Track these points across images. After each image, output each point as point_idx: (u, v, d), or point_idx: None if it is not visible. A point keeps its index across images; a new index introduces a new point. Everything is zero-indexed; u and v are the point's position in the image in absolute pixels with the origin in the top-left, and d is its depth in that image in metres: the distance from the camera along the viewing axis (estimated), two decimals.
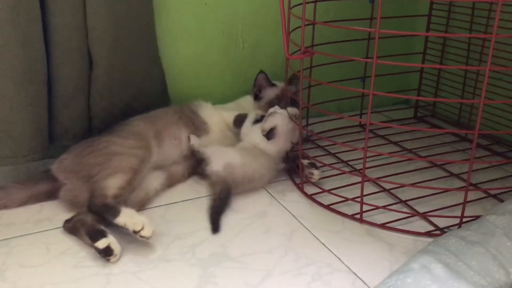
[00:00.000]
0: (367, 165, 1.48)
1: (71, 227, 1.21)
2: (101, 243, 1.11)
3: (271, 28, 1.77)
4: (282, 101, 1.61)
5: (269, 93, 1.66)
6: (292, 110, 1.53)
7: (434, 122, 1.90)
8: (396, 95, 1.18)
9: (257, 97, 1.67)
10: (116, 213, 1.16)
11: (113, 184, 1.23)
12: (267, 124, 1.43)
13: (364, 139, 1.71)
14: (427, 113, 1.97)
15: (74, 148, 1.37)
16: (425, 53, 1.85)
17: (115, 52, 1.45)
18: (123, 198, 1.23)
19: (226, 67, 1.77)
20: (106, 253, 1.10)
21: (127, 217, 1.15)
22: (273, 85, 1.67)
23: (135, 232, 1.12)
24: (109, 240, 1.11)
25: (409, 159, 1.55)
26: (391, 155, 1.52)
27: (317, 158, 1.48)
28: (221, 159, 1.38)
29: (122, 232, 1.15)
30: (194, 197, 1.38)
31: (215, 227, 1.24)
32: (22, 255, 1.13)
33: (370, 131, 1.82)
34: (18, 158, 1.37)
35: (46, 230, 1.23)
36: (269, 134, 1.42)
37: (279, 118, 1.44)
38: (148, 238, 1.13)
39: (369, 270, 1.09)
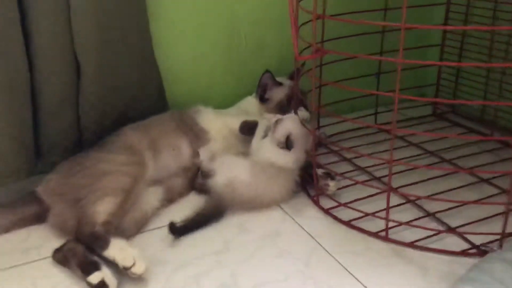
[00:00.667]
0: (385, 172, 1.35)
1: (61, 258, 1.08)
2: (94, 278, 0.98)
3: (276, 25, 1.63)
4: (292, 101, 1.47)
5: (277, 94, 1.52)
6: (303, 114, 1.39)
7: (455, 120, 1.75)
8: (424, 98, 1.04)
9: (262, 99, 1.53)
10: (105, 244, 1.03)
11: (102, 209, 1.10)
12: (279, 133, 1.27)
13: (382, 141, 1.61)
14: (447, 109, 1.82)
15: (60, 167, 1.24)
16: (444, 44, 1.70)
17: (104, 56, 1.31)
18: (114, 225, 1.10)
19: (228, 69, 1.63)
20: None
21: (116, 250, 1.02)
22: (279, 84, 1.52)
23: (125, 269, 0.99)
24: (103, 274, 0.98)
25: (443, 171, 1.39)
26: (420, 166, 1.38)
27: (331, 165, 1.34)
28: (226, 172, 1.24)
29: None
30: None
31: (177, 234, 1.14)
32: None
33: (386, 131, 1.67)
34: (1, 179, 1.24)
35: (33, 261, 1.10)
36: (288, 144, 1.25)
37: (290, 123, 1.30)
38: (139, 276, 1.00)
39: None
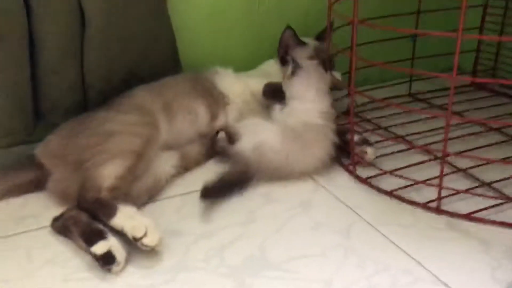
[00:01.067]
0: (424, 141, 1.24)
1: (61, 226, 0.94)
2: (99, 248, 0.84)
3: None
4: (318, 59, 1.29)
5: (300, 55, 1.33)
6: (336, 74, 1.24)
7: (496, 89, 1.59)
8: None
9: (284, 61, 1.35)
10: (111, 212, 0.89)
11: (109, 173, 0.96)
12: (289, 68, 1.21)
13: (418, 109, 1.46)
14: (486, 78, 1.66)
15: (63, 127, 1.10)
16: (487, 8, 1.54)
17: (113, 5, 1.15)
18: (122, 191, 0.96)
19: (249, 27, 1.46)
20: (106, 261, 0.83)
21: (125, 219, 0.88)
22: (303, 44, 1.35)
23: (135, 239, 0.85)
24: (110, 244, 0.84)
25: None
26: (483, 121, 1.26)
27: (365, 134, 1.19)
28: (253, 136, 1.09)
29: None
30: None
31: (208, 195, 1.00)
32: None
33: (421, 100, 1.52)
34: None
35: (29, 231, 0.95)
36: (294, 67, 1.18)
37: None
38: (152, 248, 0.85)
39: (464, 278, 0.80)
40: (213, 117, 1.22)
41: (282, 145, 1.07)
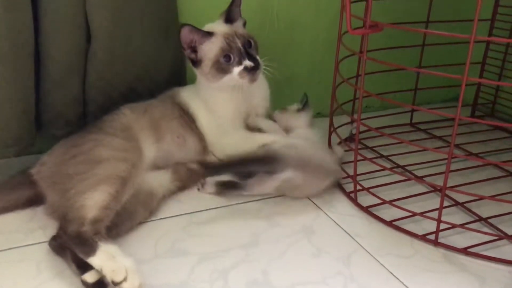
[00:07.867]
0: (423, 172, 1.27)
1: (57, 246, 0.93)
2: (90, 276, 0.84)
3: (312, 6, 1.51)
4: (233, 51, 1.14)
5: (209, 48, 1.15)
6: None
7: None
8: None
9: (195, 62, 1.17)
10: (90, 250, 0.84)
11: (94, 203, 0.92)
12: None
13: (418, 140, 1.49)
14: (485, 111, 1.70)
15: (57, 148, 1.08)
16: (488, 50, 1.58)
17: (118, 22, 1.19)
18: (105, 224, 0.91)
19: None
20: None
21: (105, 259, 0.83)
22: (209, 34, 1.15)
23: (114, 284, 0.81)
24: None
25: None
26: (479, 160, 1.30)
27: (365, 163, 1.22)
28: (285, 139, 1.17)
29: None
30: (224, 204, 1.12)
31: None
32: (6, 276, 0.88)
33: (421, 130, 1.56)
34: (2, 149, 1.13)
35: (38, 243, 0.97)
36: None
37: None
38: None
39: None
40: (205, 149, 1.22)
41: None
